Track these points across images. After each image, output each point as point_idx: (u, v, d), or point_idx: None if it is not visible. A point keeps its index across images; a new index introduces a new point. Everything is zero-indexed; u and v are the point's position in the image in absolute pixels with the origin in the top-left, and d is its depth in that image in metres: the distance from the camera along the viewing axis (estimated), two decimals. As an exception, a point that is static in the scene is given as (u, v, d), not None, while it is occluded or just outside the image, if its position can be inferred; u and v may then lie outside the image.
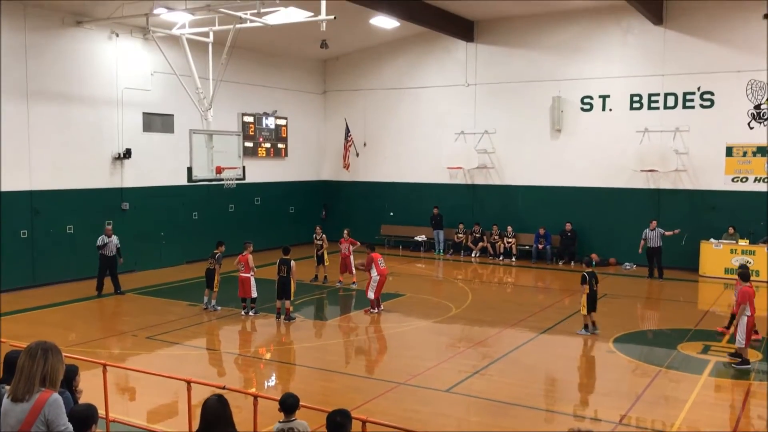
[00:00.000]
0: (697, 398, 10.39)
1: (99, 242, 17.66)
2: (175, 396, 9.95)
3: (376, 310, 15.94)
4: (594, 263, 22.25)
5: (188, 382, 7.71)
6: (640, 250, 20.56)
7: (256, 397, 7.46)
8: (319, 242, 19.45)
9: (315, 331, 15.22)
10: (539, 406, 10.25)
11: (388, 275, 16.37)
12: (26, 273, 18.19)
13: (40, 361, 4.41)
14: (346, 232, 19.18)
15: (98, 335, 13.93)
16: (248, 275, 15.53)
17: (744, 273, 12.37)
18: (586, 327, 14.01)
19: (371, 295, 15.85)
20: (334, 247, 20.21)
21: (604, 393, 10.67)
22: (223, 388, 7.44)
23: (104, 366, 8.40)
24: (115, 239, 17.83)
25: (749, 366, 11.68)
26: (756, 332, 12.91)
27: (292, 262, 15.16)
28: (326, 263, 19.45)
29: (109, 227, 18.24)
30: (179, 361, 12.46)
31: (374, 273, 15.79)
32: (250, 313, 15.60)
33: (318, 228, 20.00)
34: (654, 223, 20.44)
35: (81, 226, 19.37)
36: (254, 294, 15.60)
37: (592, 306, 13.96)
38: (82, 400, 5.93)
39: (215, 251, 16.23)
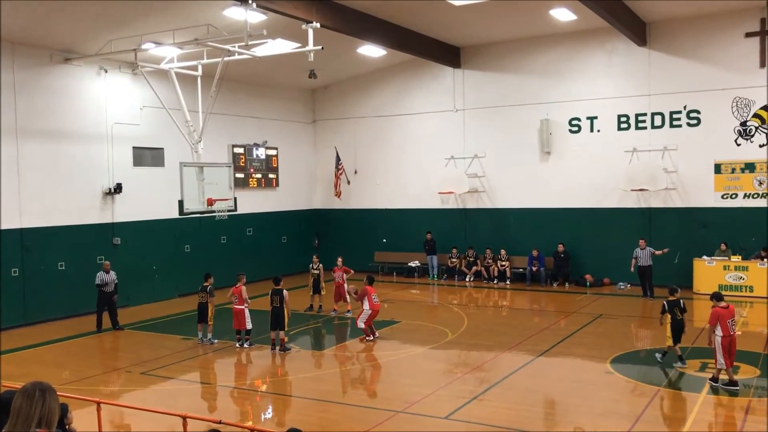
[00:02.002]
0: (697, 417, 10.35)
1: (98, 281, 17.61)
2: (170, 432, 9.83)
3: (372, 338, 15.86)
4: (596, 284, 22.48)
5: (184, 418, 7.62)
6: (632, 269, 20.60)
7: (252, 430, 7.38)
8: (316, 271, 19.35)
9: (311, 361, 15.10)
10: (539, 429, 10.16)
11: (382, 301, 16.31)
12: (17, 311, 18.01)
13: (38, 403, 4.34)
14: (339, 260, 19.12)
15: (92, 372, 13.77)
16: (242, 307, 15.45)
17: (715, 294, 12.22)
18: (664, 354, 13.20)
19: (361, 324, 15.81)
20: (327, 276, 20.13)
21: (604, 414, 10.60)
22: (220, 422, 7.36)
23: (98, 404, 8.30)
24: (113, 275, 17.79)
25: (737, 388, 11.44)
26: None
27: (285, 292, 15.07)
28: (323, 292, 19.37)
29: (108, 263, 18.14)
30: (174, 396, 12.32)
31: (366, 306, 15.76)
32: (245, 345, 15.49)
33: (315, 257, 19.93)
34: (642, 242, 20.48)
35: (72, 262, 19.27)
36: (249, 326, 15.50)
37: (677, 337, 13.04)
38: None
39: (205, 284, 16.13)
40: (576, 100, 23.30)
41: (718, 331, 11.55)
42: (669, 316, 13.07)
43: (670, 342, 13.12)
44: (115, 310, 17.85)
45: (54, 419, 4.43)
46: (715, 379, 11.68)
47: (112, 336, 17.28)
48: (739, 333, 12.24)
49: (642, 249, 20.36)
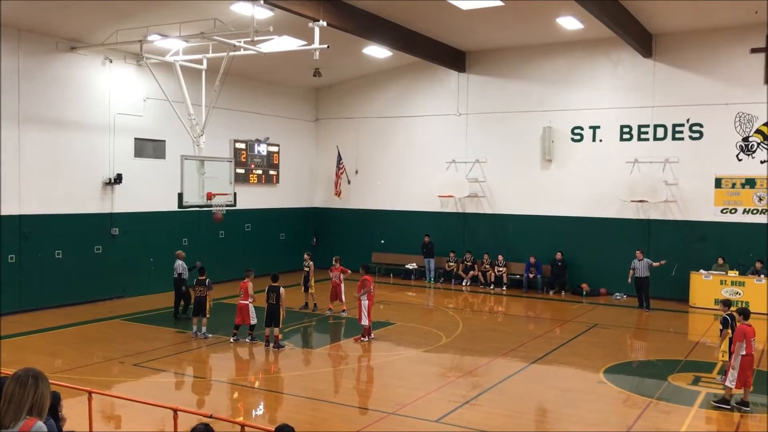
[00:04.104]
0: (688, 430, 10.33)
1: (181, 270, 17.97)
2: (161, 424, 9.81)
3: (367, 338, 15.84)
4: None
5: (175, 411, 7.61)
6: (629, 280, 20.60)
7: (243, 426, 7.37)
8: (307, 269, 19.36)
9: (304, 359, 15.09)
10: (530, 437, 10.16)
11: (378, 303, 16.27)
12: (13, 298, 17.99)
13: (30, 390, 4.34)
14: (335, 260, 19.08)
15: (84, 362, 13.76)
16: (247, 302, 15.52)
17: (742, 309, 11.85)
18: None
19: (365, 321, 15.78)
20: (322, 275, 20.11)
21: (595, 424, 10.60)
22: (210, 416, 7.35)
23: (90, 393, 8.28)
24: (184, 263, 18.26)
25: (729, 407, 11.25)
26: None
27: (281, 289, 15.10)
28: (311, 290, 19.34)
29: (182, 252, 18.49)
30: (166, 389, 12.31)
31: (364, 299, 15.75)
32: (246, 340, 15.54)
33: (306, 254, 19.92)
34: (639, 253, 20.46)
35: (70, 251, 19.26)
36: (253, 321, 15.56)
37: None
38: (66, 428, 5.84)
39: (201, 278, 16.16)
40: (579, 109, 23.31)
41: (742, 350, 11.17)
42: (730, 331, 12.23)
43: (726, 357, 12.39)
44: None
45: (45, 406, 4.43)
46: (725, 401, 11.31)
47: (106, 326, 17.25)
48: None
49: (639, 260, 20.34)
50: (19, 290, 18.19)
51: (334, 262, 18.95)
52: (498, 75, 24.74)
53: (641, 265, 20.28)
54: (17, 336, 15.78)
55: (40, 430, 4.34)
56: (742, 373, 11.17)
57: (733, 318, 12.31)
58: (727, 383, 11.36)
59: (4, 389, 4.42)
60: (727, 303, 13.02)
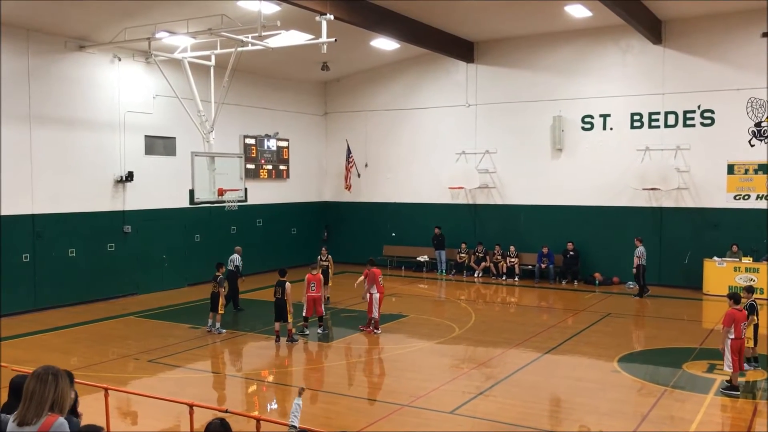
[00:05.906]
0: (703, 418, 10.30)
1: (238, 262, 18.39)
2: (177, 420, 9.88)
3: (379, 330, 15.88)
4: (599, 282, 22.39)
5: (190, 406, 7.66)
6: (634, 269, 20.47)
7: (258, 420, 7.41)
8: (325, 263, 19.36)
9: (317, 352, 15.14)
10: (544, 427, 10.15)
11: (390, 295, 16.33)
12: (28, 297, 18.15)
13: (51, 387, 4.39)
14: (370, 261, 18.64)
15: (100, 359, 13.86)
16: (319, 294, 15.89)
17: (732, 294, 11.89)
18: (749, 360, 12.47)
19: (376, 314, 15.83)
20: (337, 268, 20.13)
21: (609, 413, 10.58)
22: (226, 411, 7.40)
23: (106, 390, 8.35)
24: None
25: (737, 393, 11.28)
26: (752, 360, 12.51)
27: (287, 284, 15.13)
28: (330, 284, 19.38)
29: (240, 248, 19.05)
30: (181, 385, 12.38)
31: (374, 290, 15.81)
32: (318, 330, 15.94)
33: (324, 249, 19.96)
34: (637, 240, 20.45)
35: (83, 249, 19.38)
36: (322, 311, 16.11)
37: (756, 338, 12.54)
38: (81, 424, 5.90)
39: (216, 274, 16.26)
40: (589, 98, 23.19)
41: (731, 333, 11.36)
42: (756, 318, 12.38)
43: (751, 343, 12.47)
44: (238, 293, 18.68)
45: (66, 403, 4.48)
46: (734, 388, 11.38)
47: (120, 323, 17.37)
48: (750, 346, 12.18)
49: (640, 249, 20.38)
50: (34, 289, 18.32)
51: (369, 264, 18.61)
52: (506, 65, 24.64)
53: (640, 253, 20.28)
54: (32, 335, 15.91)
55: (61, 427, 4.39)
56: (735, 356, 11.30)
57: (757, 304, 12.38)
58: (725, 368, 11.50)
59: (25, 387, 4.47)
60: (750, 289, 13.03)
